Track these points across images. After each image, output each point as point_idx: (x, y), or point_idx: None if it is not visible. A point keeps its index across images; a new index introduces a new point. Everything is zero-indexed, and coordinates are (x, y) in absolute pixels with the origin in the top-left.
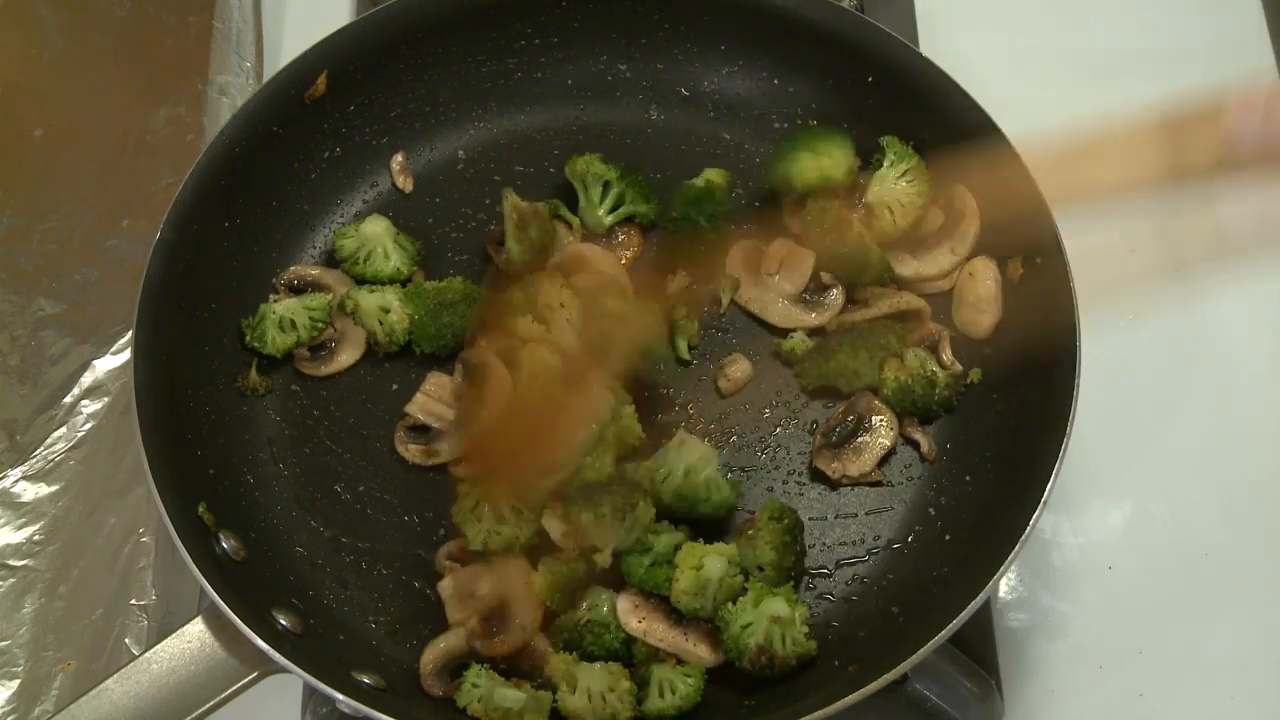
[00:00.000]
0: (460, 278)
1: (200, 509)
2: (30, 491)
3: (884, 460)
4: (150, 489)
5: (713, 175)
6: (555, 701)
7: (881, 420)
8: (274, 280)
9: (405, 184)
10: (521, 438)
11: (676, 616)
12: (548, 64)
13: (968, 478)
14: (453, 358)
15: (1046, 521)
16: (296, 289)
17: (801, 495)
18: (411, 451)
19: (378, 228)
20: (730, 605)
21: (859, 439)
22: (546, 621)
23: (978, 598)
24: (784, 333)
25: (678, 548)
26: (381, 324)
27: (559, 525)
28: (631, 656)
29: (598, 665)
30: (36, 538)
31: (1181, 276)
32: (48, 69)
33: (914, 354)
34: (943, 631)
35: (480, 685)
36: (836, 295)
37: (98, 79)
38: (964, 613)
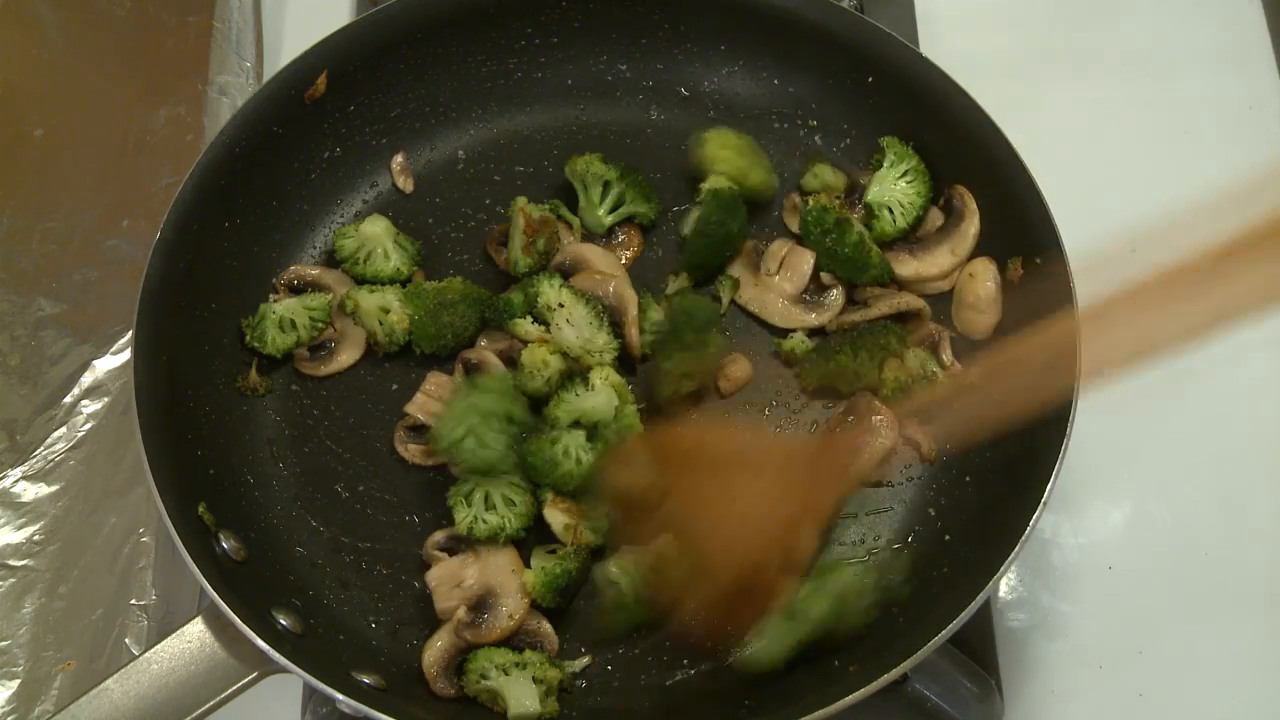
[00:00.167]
0: (460, 278)
1: (200, 509)
2: (30, 491)
3: (884, 460)
4: (150, 489)
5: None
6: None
7: (881, 420)
8: (274, 280)
9: (405, 184)
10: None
11: None
12: (548, 64)
13: (968, 478)
14: (453, 358)
15: (1046, 521)
16: (296, 289)
17: None
18: (411, 451)
19: (378, 228)
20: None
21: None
22: None
23: (978, 598)
24: (784, 333)
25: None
26: (381, 324)
27: (561, 518)
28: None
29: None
30: (36, 538)
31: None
32: (48, 69)
33: (914, 354)
34: (943, 631)
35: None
36: (836, 295)
37: (98, 79)
38: (964, 613)
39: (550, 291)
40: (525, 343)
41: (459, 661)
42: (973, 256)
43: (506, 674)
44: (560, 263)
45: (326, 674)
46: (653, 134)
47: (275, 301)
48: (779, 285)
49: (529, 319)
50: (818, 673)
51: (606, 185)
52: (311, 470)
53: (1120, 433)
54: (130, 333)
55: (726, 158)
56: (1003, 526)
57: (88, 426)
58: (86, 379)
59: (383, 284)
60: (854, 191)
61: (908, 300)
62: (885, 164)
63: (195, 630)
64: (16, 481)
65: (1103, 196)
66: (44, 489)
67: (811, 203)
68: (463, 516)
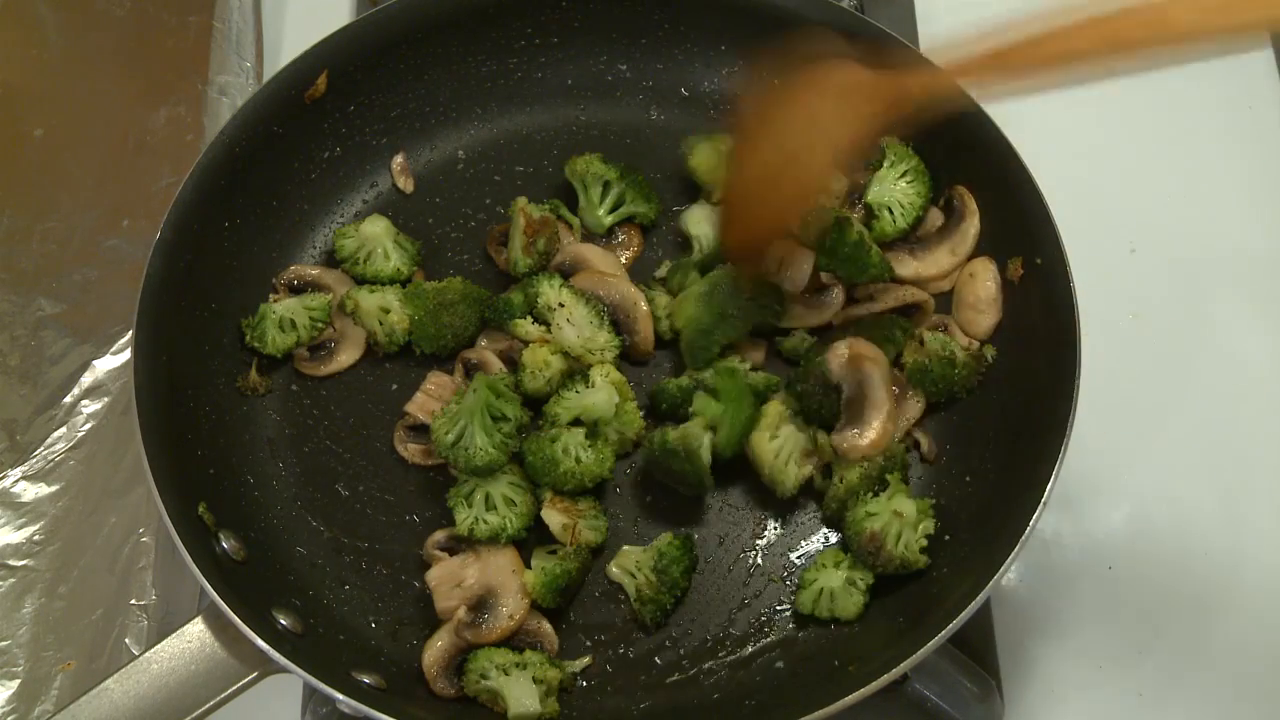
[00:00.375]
0: (460, 278)
1: (200, 509)
2: (30, 491)
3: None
4: (150, 489)
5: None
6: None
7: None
8: (274, 280)
9: (405, 184)
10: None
11: None
12: (548, 64)
13: (968, 478)
14: (453, 358)
15: (1046, 521)
16: (296, 289)
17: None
18: (411, 451)
19: (378, 228)
20: (867, 495)
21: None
22: None
23: (978, 598)
24: (784, 332)
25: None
26: (381, 324)
27: (559, 518)
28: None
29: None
30: (36, 538)
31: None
32: (48, 69)
33: (933, 336)
34: (943, 631)
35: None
36: (836, 294)
37: (98, 79)
38: (964, 613)
39: (550, 291)
40: (525, 343)
41: (459, 661)
42: (973, 256)
43: (506, 674)
44: (560, 263)
45: (326, 674)
46: (653, 134)
47: (275, 301)
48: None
49: (529, 319)
50: (818, 673)
51: (606, 185)
52: (311, 470)
53: (1120, 433)
54: (130, 333)
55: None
56: (1003, 526)
57: (88, 426)
58: (86, 379)
59: (383, 284)
60: (854, 191)
61: (912, 293)
62: (885, 164)
63: (195, 630)
64: (16, 481)
65: (1103, 196)
66: (44, 489)
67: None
68: (463, 517)
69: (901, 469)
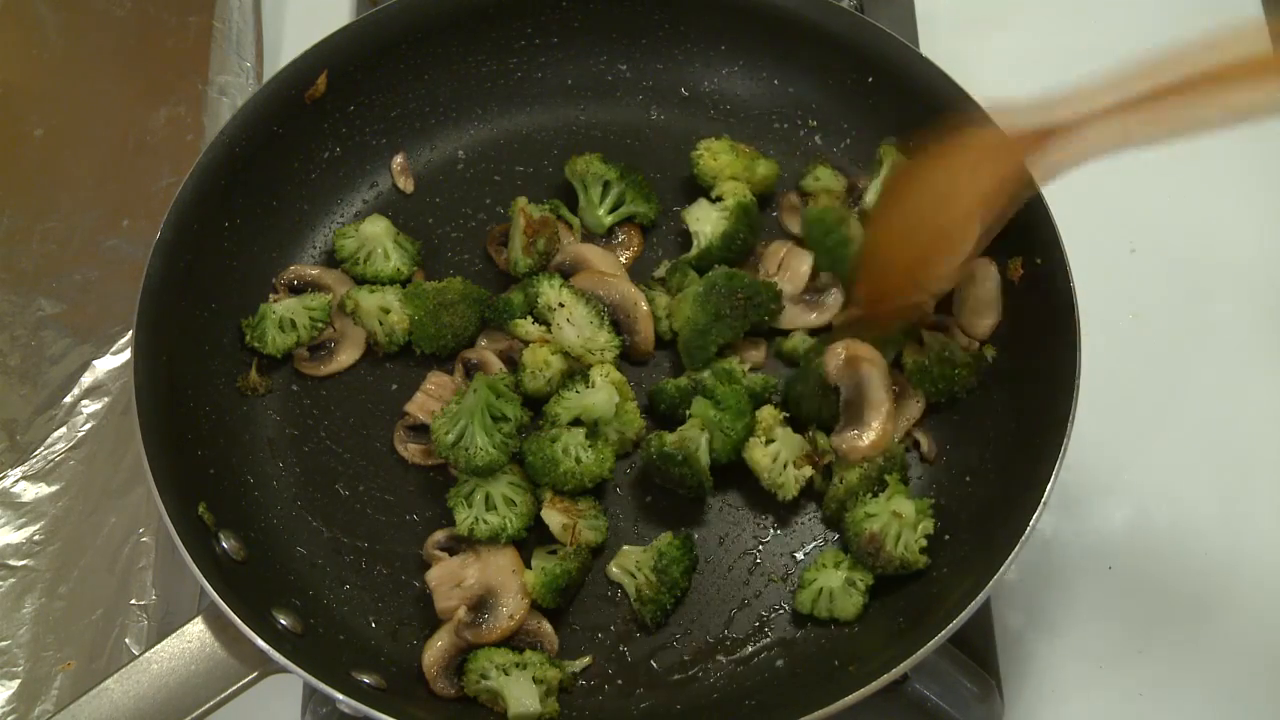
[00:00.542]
0: (460, 278)
1: (200, 509)
2: (30, 491)
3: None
4: (150, 489)
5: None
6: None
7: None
8: (274, 280)
9: (405, 184)
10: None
11: None
12: (548, 64)
13: (968, 478)
14: (453, 358)
15: (1046, 521)
16: (296, 289)
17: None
18: (411, 451)
19: (378, 228)
20: (866, 495)
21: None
22: None
23: (978, 598)
24: (783, 332)
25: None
26: (381, 324)
27: (558, 518)
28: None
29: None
30: (36, 538)
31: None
32: (48, 69)
33: (932, 337)
34: (943, 631)
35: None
36: (835, 295)
37: (98, 79)
38: (964, 613)
39: (550, 291)
40: (525, 343)
41: (459, 661)
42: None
43: (506, 674)
44: (560, 263)
45: (326, 674)
46: (653, 134)
47: (275, 301)
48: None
49: (529, 319)
50: (818, 673)
51: (606, 185)
52: (311, 470)
53: (1120, 433)
54: (130, 333)
55: (726, 163)
56: (1003, 526)
57: (88, 426)
58: (86, 379)
59: (383, 284)
60: (853, 193)
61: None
62: (884, 169)
63: (195, 630)
64: (16, 481)
65: (1103, 196)
66: (44, 489)
67: (813, 203)
68: (463, 517)
69: (901, 469)
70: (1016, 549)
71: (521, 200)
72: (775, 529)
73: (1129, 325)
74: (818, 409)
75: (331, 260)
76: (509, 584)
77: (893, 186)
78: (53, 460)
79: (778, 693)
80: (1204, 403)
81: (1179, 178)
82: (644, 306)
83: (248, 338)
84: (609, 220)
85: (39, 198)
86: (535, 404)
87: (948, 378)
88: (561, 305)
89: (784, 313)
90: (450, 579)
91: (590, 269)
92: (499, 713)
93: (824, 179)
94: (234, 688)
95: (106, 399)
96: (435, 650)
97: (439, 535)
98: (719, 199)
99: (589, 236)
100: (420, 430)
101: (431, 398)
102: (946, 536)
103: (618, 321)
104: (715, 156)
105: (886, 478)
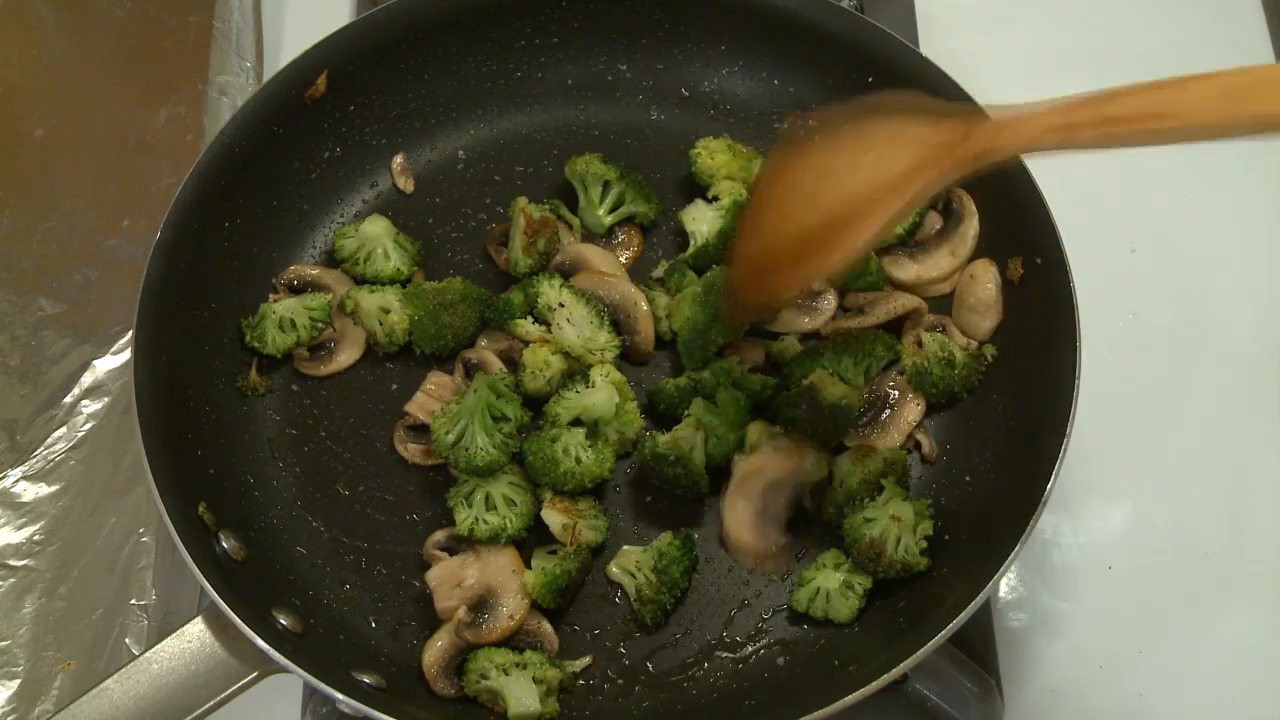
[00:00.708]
0: (460, 278)
1: (200, 509)
2: (30, 491)
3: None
4: (150, 489)
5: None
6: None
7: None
8: (274, 280)
9: (405, 184)
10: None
11: None
12: (548, 64)
13: (968, 478)
14: (453, 358)
15: (1046, 521)
16: (296, 289)
17: None
18: (411, 451)
19: (378, 228)
20: (865, 500)
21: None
22: None
23: (978, 598)
24: (775, 335)
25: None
26: (381, 324)
27: (558, 518)
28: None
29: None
30: (36, 538)
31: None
32: (48, 69)
33: (931, 338)
34: (943, 631)
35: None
36: (829, 300)
37: (98, 79)
38: (964, 613)
39: (550, 291)
40: (525, 343)
41: (459, 661)
42: (973, 258)
43: (507, 674)
44: (560, 263)
45: (326, 674)
46: (653, 134)
47: (275, 301)
48: None
49: (529, 319)
50: (818, 673)
51: (606, 185)
52: (311, 470)
53: (1120, 433)
54: (130, 333)
55: (723, 162)
56: (1003, 526)
57: (88, 426)
58: (86, 379)
59: (383, 284)
60: None
61: (903, 302)
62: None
63: (195, 630)
64: (16, 481)
65: (1103, 196)
66: (44, 489)
67: None
68: (463, 517)
69: (900, 473)
70: (1016, 549)
71: (521, 200)
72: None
73: (1129, 325)
74: (814, 431)
75: (331, 260)
76: (509, 584)
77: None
78: (53, 460)
79: (778, 693)
80: (1204, 403)
81: (1179, 178)
82: (644, 306)
83: (248, 338)
84: (609, 220)
85: (39, 198)
86: (535, 404)
87: (947, 379)
88: (561, 305)
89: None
90: (450, 579)
91: (590, 269)
92: (499, 713)
93: None
94: (234, 688)
95: (106, 399)
96: (435, 650)
97: (439, 535)
98: (716, 199)
99: (589, 236)
100: (420, 430)
101: (431, 398)
102: (946, 537)
103: (618, 321)
104: (713, 155)
105: (883, 482)
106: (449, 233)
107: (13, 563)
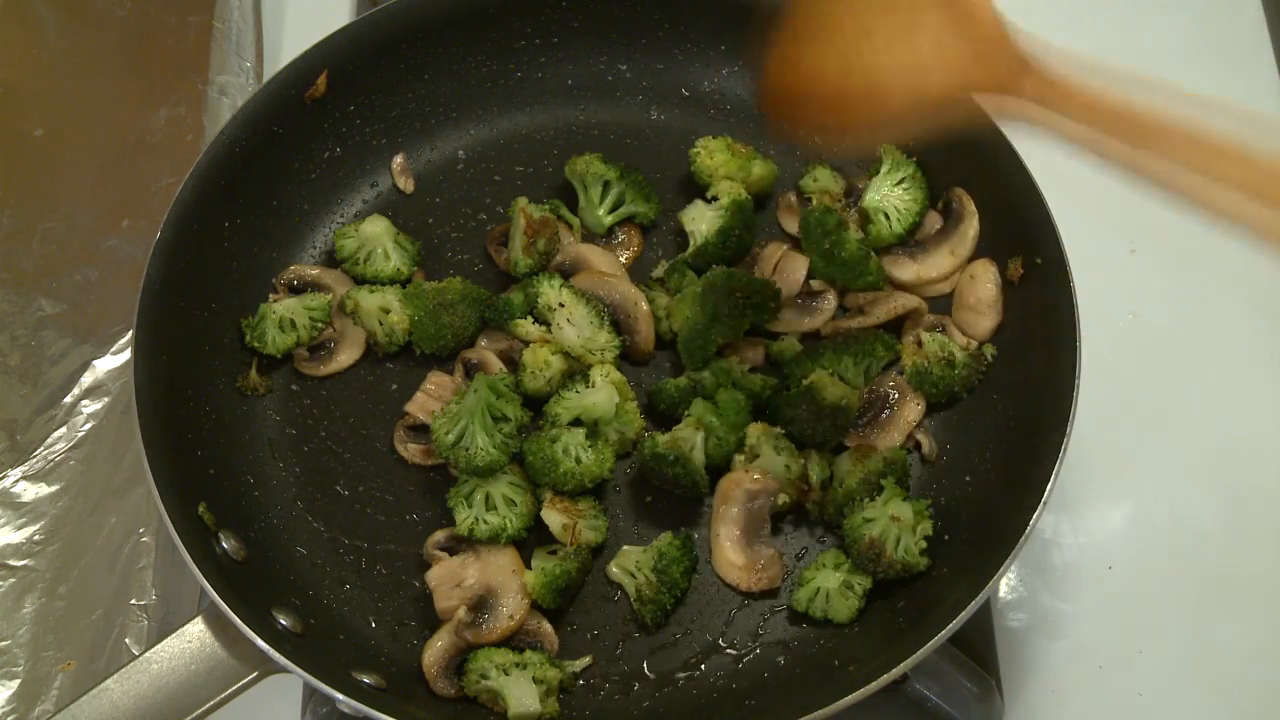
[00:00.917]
0: (460, 278)
1: (200, 509)
2: (30, 491)
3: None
4: (150, 489)
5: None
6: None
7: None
8: (274, 280)
9: (405, 184)
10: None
11: None
12: (548, 64)
13: (968, 478)
14: (453, 358)
15: (1046, 521)
16: (296, 289)
17: None
18: (411, 451)
19: (378, 228)
20: (865, 500)
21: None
22: None
23: (978, 598)
24: (775, 335)
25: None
26: (381, 324)
27: (558, 518)
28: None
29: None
30: (36, 538)
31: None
32: (48, 69)
33: (931, 338)
34: (943, 631)
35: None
36: (829, 300)
37: (98, 79)
38: (964, 613)
39: (550, 292)
40: (525, 343)
41: (459, 661)
42: (973, 257)
43: (507, 674)
44: (560, 263)
45: (326, 674)
46: (653, 134)
47: (275, 301)
48: None
49: (529, 319)
50: (818, 673)
51: (606, 185)
52: (311, 470)
53: (1120, 433)
54: (130, 333)
55: (722, 162)
56: (1003, 526)
57: (88, 426)
58: (86, 379)
59: (383, 284)
60: (851, 195)
61: (903, 302)
62: (883, 170)
63: (195, 630)
64: (16, 481)
65: (1103, 196)
66: (44, 489)
67: (815, 203)
68: (464, 517)
69: (900, 473)
70: (1016, 549)
71: (521, 200)
72: (776, 529)
73: (1129, 325)
74: (814, 432)
75: (331, 260)
76: (509, 584)
77: None
78: (53, 460)
79: (778, 693)
80: (1204, 403)
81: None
82: (644, 306)
83: (248, 338)
84: (609, 220)
85: (39, 198)
86: (535, 404)
87: (947, 379)
88: (561, 305)
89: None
90: (450, 579)
91: (590, 269)
92: (499, 713)
93: (822, 180)
94: (234, 688)
95: (106, 399)
96: (435, 650)
97: (439, 535)
98: (715, 199)
99: (589, 236)
100: (420, 430)
101: (431, 398)
102: (946, 537)
103: (618, 321)
104: (712, 155)
105: (883, 482)
106: (449, 233)
107: (13, 563)
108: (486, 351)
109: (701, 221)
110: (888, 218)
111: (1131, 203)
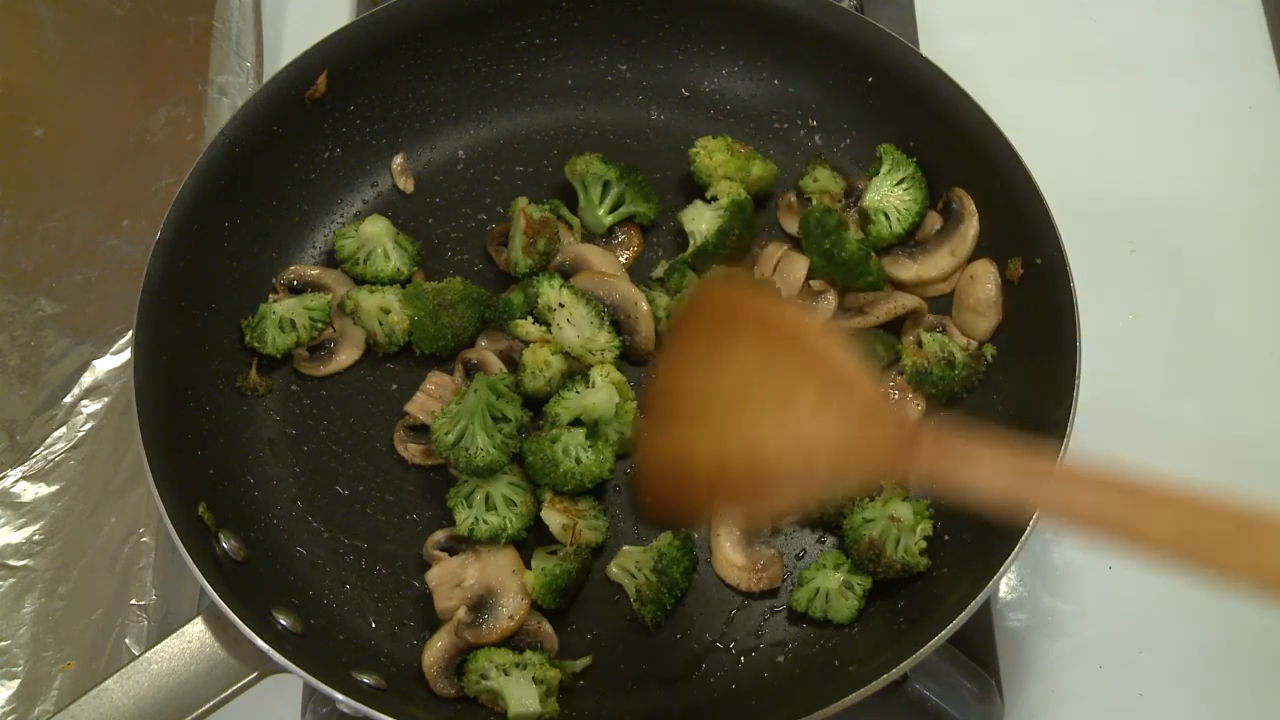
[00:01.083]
0: (460, 278)
1: (200, 509)
2: (30, 491)
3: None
4: (150, 489)
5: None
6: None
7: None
8: (274, 280)
9: (405, 184)
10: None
11: None
12: (548, 64)
13: None
14: (453, 358)
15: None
16: (296, 289)
17: None
18: (411, 451)
19: (378, 228)
20: (865, 500)
21: None
22: None
23: (978, 598)
24: None
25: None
26: (381, 324)
27: (558, 519)
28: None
29: None
30: (36, 538)
31: None
32: (48, 69)
33: (931, 338)
34: (943, 631)
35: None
36: (829, 300)
37: (98, 79)
38: (964, 613)
39: (550, 292)
40: (525, 343)
41: (459, 661)
42: (973, 258)
43: (506, 674)
44: (560, 263)
45: (326, 674)
46: (653, 134)
47: (275, 301)
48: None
49: (529, 319)
50: (818, 673)
51: (606, 185)
52: (311, 470)
53: (1120, 433)
54: (130, 333)
55: (721, 162)
56: (1003, 526)
57: (88, 426)
58: (86, 379)
59: (383, 284)
60: (851, 195)
61: (903, 303)
62: (883, 170)
63: (195, 630)
64: (16, 481)
65: (1103, 197)
66: (44, 489)
67: (815, 203)
68: (464, 517)
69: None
70: (1016, 549)
71: (521, 200)
72: (775, 529)
73: (1129, 325)
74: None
75: (331, 260)
76: (509, 584)
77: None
78: (53, 460)
79: (778, 693)
80: (1204, 403)
81: (1179, 178)
82: (644, 306)
83: (248, 338)
84: (609, 220)
85: (39, 198)
86: (535, 404)
87: (947, 379)
88: (561, 305)
89: None
90: (450, 579)
91: (590, 269)
92: (499, 713)
93: (822, 180)
94: (234, 688)
95: (106, 399)
96: (435, 650)
97: (439, 535)
98: (714, 199)
99: (589, 236)
100: (420, 430)
101: (431, 398)
102: (946, 537)
103: (618, 321)
104: (711, 155)
105: (882, 482)
106: (449, 233)
107: (13, 563)
108: (486, 351)
109: (701, 222)
110: (888, 218)
111: (1131, 203)
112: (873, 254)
